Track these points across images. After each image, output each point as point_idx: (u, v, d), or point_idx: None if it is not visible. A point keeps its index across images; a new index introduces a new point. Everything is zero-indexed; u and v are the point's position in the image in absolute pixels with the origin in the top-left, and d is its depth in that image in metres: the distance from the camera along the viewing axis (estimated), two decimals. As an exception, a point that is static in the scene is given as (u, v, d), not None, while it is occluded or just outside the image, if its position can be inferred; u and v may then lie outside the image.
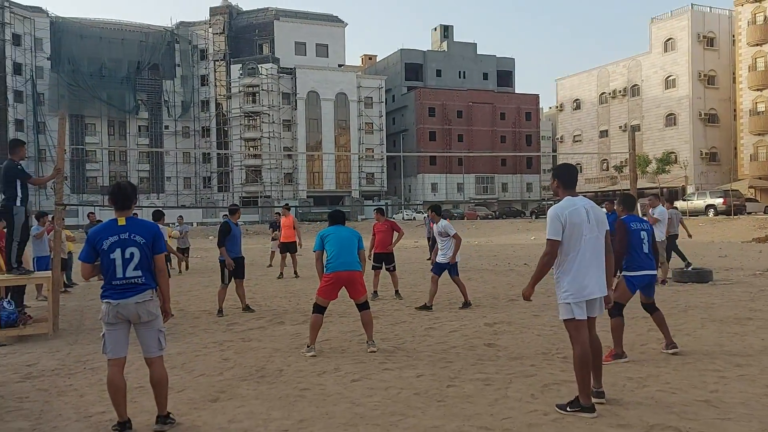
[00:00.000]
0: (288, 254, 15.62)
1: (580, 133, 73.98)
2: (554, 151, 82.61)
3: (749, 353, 6.34)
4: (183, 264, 17.67)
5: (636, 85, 66.69)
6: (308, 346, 6.83)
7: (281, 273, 15.59)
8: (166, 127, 75.65)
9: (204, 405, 5.04)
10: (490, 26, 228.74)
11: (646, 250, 6.19)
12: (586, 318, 4.58)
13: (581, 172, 71.71)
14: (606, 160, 67.93)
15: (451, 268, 9.82)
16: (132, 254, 4.34)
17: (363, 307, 6.97)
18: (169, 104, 75.80)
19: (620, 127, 67.77)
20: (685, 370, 5.74)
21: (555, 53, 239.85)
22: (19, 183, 8.05)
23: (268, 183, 71.60)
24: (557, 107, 79.62)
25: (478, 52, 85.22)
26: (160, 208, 12.72)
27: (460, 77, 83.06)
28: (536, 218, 53.83)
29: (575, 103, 75.17)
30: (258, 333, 8.17)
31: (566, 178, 4.76)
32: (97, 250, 4.38)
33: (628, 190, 10.90)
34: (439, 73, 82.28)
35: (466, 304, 9.86)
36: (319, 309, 6.86)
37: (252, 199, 70.86)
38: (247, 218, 60.89)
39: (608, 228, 4.78)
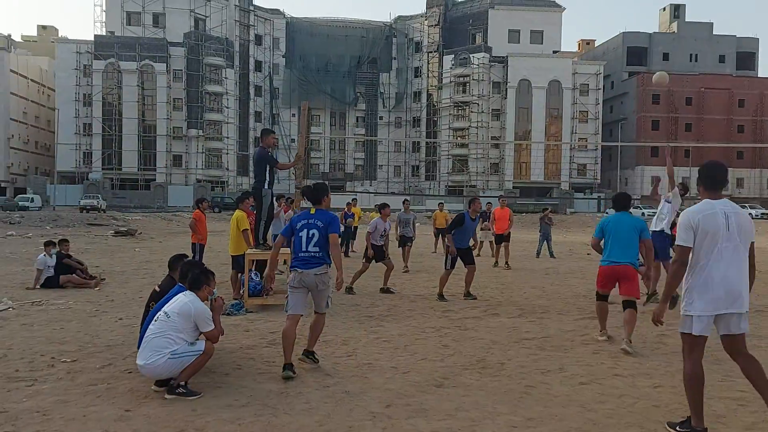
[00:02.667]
0: (502, 245, 15.90)
1: None
2: (807, 143, 71.12)
3: None
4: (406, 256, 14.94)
5: None
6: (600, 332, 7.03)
7: (496, 261, 15.90)
8: (381, 117, 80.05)
9: (429, 389, 5.15)
10: (729, 3, 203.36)
11: None
12: (706, 336, 4.12)
13: None
14: None
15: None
16: (313, 234, 5.64)
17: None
18: (384, 96, 79.95)
19: None
20: None
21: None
22: (267, 168, 9.00)
23: (474, 172, 72.00)
24: (814, 92, 68.31)
25: (713, 33, 76.49)
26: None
27: (691, 60, 75.35)
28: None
29: (839, 86, 63.82)
30: (473, 322, 8.17)
31: (708, 177, 4.27)
32: (293, 230, 5.77)
33: None
34: (666, 56, 75.38)
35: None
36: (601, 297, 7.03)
37: (457, 188, 71.82)
38: (452, 206, 61.95)
39: (753, 239, 4.21)
